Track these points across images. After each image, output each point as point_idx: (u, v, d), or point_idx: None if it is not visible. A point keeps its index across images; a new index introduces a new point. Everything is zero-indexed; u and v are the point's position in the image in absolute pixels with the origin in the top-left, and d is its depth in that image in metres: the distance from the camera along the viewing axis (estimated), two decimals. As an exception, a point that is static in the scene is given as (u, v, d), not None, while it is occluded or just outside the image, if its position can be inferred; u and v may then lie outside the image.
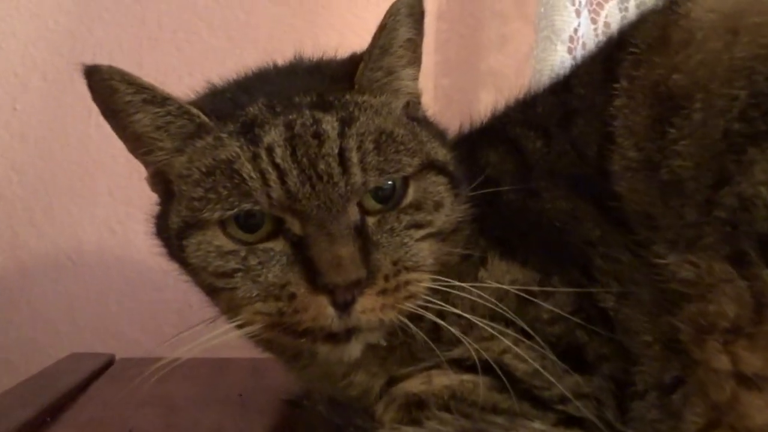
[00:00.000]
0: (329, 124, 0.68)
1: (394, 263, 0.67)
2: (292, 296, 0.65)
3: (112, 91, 0.70)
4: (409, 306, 0.67)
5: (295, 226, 0.67)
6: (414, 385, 0.69)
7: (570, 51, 1.33)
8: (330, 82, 0.74)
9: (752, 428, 0.59)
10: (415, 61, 0.77)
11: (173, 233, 0.72)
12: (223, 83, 0.81)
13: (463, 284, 0.68)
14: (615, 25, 1.31)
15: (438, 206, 0.72)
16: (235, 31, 1.52)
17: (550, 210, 0.73)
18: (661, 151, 0.64)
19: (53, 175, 1.48)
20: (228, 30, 1.52)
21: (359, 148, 0.67)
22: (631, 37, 0.72)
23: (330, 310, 0.64)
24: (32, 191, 1.48)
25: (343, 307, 0.64)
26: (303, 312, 0.65)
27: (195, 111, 0.71)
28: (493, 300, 0.67)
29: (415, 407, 0.67)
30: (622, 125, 0.69)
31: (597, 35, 1.38)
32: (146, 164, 0.77)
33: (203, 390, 1.00)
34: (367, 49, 0.73)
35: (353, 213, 0.68)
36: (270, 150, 0.67)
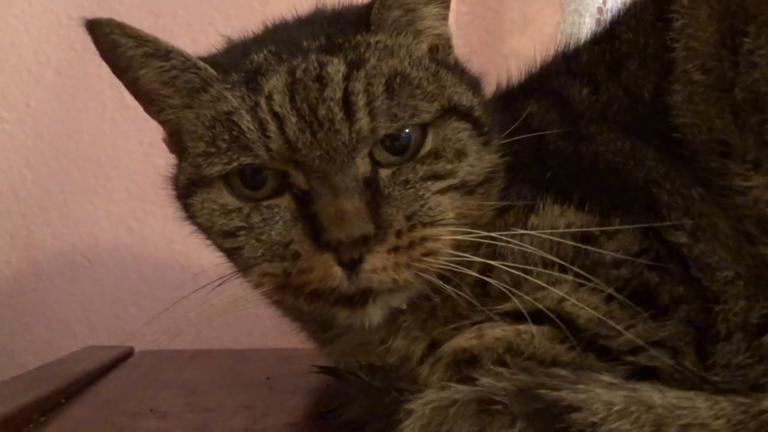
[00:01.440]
0: (334, 66, 0.64)
1: (408, 218, 0.62)
2: (296, 255, 0.61)
3: (114, 46, 0.68)
4: (431, 263, 0.62)
5: (299, 179, 0.63)
6: (463, 340, 0.63)
7: (598, 24, 1.31)
8: (344, 25, 0.69)
9: None
10: None
11: (181, 193, 0.69)
12: (240, 37, 0.79)
13: (493, 233, 0.62)
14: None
15: (460, 154, 0.66)
16: (250, 22, 1.47)
17: (605, 152, 0.69)
18: (733, 68, 0.60)
19: (68, 173, 1.45)
20: (244, 21, 1.46)
21: (366, 91, 0.63)
22: None
23: (336, 270, 0.60)
24: (47, 189, 1.44)
25: (350, 266, 0.60)
26: (309, 272, 0.61)
27: (201, 64, 0.68)
28: (545, 247, 0.62)
29: (466, 364, 0.61)
30: (684, 48, 0.64)
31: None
32: (162, 124, 0.74)
33: (227, 376, 0.94)
34: None
35: (363, 164, 0.63)
36: (269, 98, 0.63)
